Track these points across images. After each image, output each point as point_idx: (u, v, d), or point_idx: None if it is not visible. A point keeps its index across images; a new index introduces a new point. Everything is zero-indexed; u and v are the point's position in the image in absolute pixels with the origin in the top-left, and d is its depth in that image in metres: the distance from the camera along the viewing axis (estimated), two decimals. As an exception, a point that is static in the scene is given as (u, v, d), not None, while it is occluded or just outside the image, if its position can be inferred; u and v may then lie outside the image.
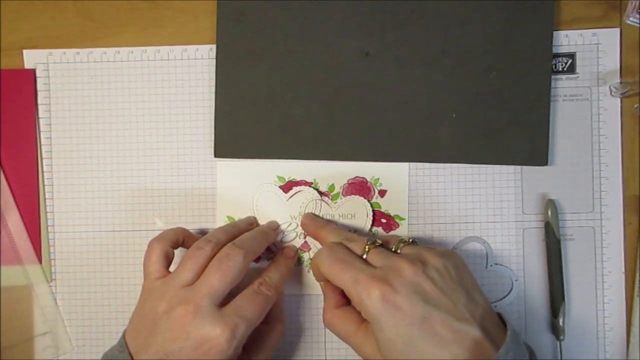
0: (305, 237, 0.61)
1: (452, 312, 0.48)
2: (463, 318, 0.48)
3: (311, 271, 0.59)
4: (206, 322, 0.50)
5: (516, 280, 0.60)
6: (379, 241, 0.53)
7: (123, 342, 0.53)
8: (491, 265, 0.61)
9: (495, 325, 0.49)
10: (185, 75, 0.61)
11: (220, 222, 0.61)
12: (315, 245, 0.61)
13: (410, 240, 0.54)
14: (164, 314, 0.51)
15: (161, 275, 0.55)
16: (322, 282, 0.57)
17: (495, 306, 0.60)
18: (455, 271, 0.51)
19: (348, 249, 0.53)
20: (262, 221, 0.61)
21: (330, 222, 0.60)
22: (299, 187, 0.61)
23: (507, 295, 0.61)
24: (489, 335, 0.48)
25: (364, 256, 0.52)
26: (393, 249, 0.53)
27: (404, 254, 0.52)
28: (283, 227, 0.61)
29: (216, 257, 0.53)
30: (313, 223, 0.60)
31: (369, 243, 0.53)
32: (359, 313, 0.51)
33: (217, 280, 0.52)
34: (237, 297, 0.53)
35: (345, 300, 0.55)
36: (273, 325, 0.58)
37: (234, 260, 0.53)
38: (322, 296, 0.58)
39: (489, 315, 0.50)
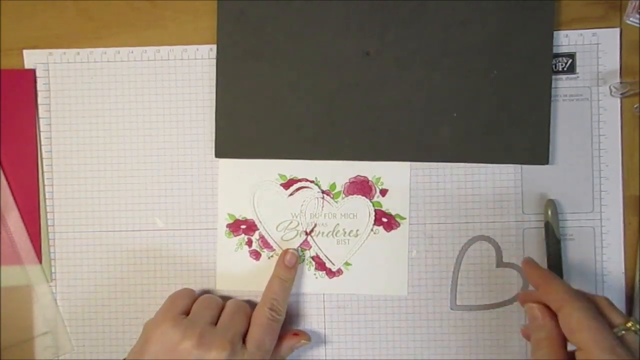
0: (306, 235, 0.61)
1: None
2: None
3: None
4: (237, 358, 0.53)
5: (525, 277, 0.60)
6: None
7: None
8: (500, 264, 0.61)
9: None
10: (185, 75, 0.61)
11: (222, 220, 0.61)
12: (316, 245, 0.61)
13: None
14: (194, 349, 0.52)
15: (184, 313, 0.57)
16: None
17: (506, 304, 0.61)
18: None
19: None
20: (263, 220, 0.61)
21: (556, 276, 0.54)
22: (300, 184, 0.61)
23: (517, 294, 0.61)
24: None
25: (621, 332, 0.48)
26: None
27: None
28: (283, 225, 0.61)
29: (234, 303, 0.58)
30: (538, 272, 0.55)
31: (632, 323, 0.48)
32: None
33: (243, 323, 0.56)
34: (253, 327, 0.56)
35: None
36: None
37: (248, 307, 0.58)
38: (324, 296, 0.59)
39: None
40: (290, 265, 0.60)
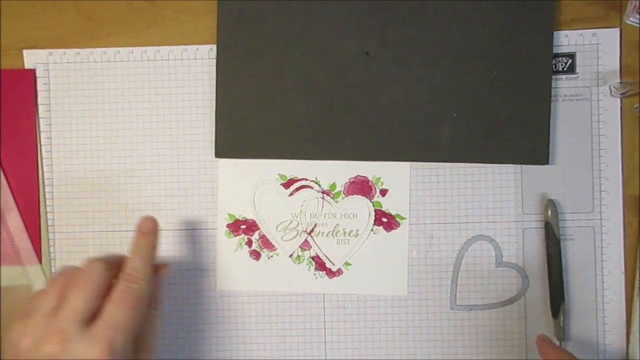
0: (306, 235, 0.61)
1: None
2: None
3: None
4: (79, 347, 0.47)
5: (525, 277, 0.60)
6: None
7: None
8: (500, 263, 0.61)
9: None
10: (185, 75, 0.61)
11: (222, 219, 0.61)
12: (316, 245, 0.61)
13: None
14: (31, 351, 0.47)
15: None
16: None
17: (506, 304, 0.61)
18: None
19: None
20: (264, 218, 0.61)
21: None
22: (300, 183, 0.61)
23: (518, 293, 0.61)
24: None
25: None
26: None
27: None
28: (284, 225, 0.61)
29: (75, 276, 0.50)
30: (555, 352, 0.57)
31: None
32: None
33: (80, 301, 0.48)
34: (105, 305, 0.49)
35: None
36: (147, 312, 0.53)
37: (96, 274, 0.50)
38: (324, 296, 0.59)
39: None
40: (147, 231, 0.55)
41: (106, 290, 0.50)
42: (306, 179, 0.61)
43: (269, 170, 0.61)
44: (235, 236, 0.61)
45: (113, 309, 0.49)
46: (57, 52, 0.62)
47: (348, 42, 0.59)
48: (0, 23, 0.62)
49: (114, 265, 0.52)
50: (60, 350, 0.47)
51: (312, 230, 0.61)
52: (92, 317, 0.49)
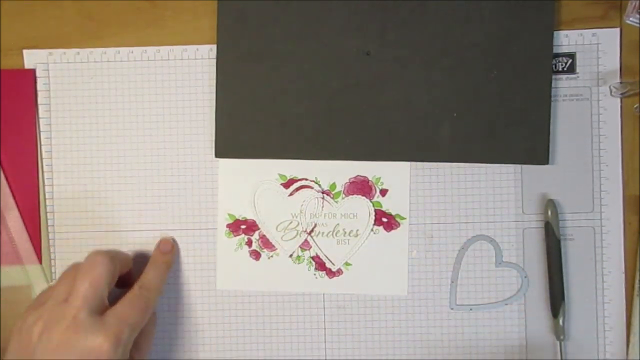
0: (306, 235, 0.61)
1: None
2: None
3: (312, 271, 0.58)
4: (88, 332, 0.50)
5: (525, 277, 0.61)
6: None
7: None
8: (500, 263, 0.61)
9: None
10: (185, 75, 0.61)
11: (222, 220, 0.61)
12: (316, 245, 0.61)
13: None
14: (42, 334, 0.51)
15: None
16: None
17: (506, 304, 0.61)
18: None
19: None
20: (264, 218, 0.61)
21: None
22: (300, 183, 0.61)
23: (517, 293, 0.61)
24: None
25: None
26: None
27: None
28: (283, 225, 0.61)
29: (82, 266, 0.54)
30: None
31: None
32: None
33: (87, 288, 0.52)
34: (117, 303, 0.54)
35: None
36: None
37: (101, 264, 0.53)
38: (324, 296, 0.59)
39: None
40: (165, 251, 0.60)
41: (111, 280, 0.54)
42: (306, 179, 0.61)
43: (269, 170, 0.61)
44: (235, 236, 0.61)
45: (125, 306, 0.54)
46: (57, 52, 0.62)
47: (348, 42, 0.59)
48: (0, 23, 0.61)
49: (117, 259, 0.56)
50: (71, 334, 0.50)
51: (312, 230, 0.61)
52: (101, 308, 0.53)
